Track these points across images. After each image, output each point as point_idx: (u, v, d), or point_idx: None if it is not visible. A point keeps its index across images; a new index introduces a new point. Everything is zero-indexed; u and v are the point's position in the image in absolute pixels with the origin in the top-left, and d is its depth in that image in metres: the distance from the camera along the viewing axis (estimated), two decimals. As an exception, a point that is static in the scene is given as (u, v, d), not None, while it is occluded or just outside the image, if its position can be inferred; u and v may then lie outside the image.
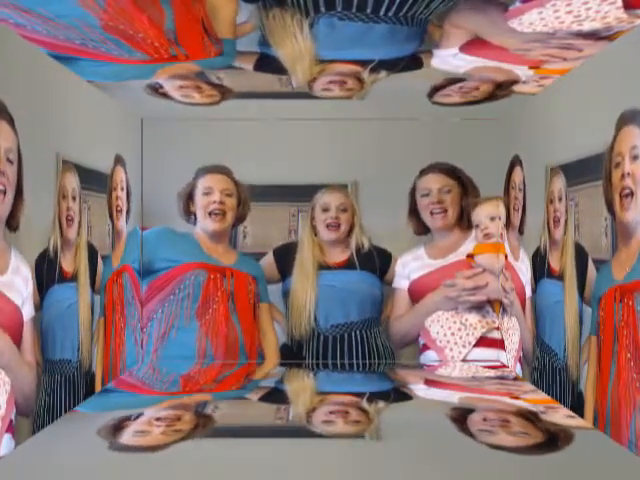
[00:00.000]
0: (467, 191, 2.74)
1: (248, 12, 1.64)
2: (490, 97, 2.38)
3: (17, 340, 1.68)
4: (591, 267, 1.91)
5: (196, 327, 2.67)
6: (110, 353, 2.47)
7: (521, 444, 1.74)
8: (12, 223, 1.65)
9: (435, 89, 2.31)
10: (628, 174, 1.66)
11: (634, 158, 1.64)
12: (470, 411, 2.05)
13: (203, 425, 1.91)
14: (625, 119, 1.70)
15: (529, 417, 1.96)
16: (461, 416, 1.99)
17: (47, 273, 1.88)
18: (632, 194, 1.64)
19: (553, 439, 1.76)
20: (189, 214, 2.75)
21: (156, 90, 2.31)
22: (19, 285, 1.69)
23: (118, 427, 1.86)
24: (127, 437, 1.79)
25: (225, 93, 2.36)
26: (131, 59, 1.90)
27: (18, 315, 1.69)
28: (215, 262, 2.71)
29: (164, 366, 2.64)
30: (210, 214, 2.70)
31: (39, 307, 1.82)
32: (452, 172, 2.74)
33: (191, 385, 2.42)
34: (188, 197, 2.75)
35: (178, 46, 1.81)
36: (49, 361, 1.90)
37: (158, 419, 1.95)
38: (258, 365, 2.69)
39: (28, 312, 1.74)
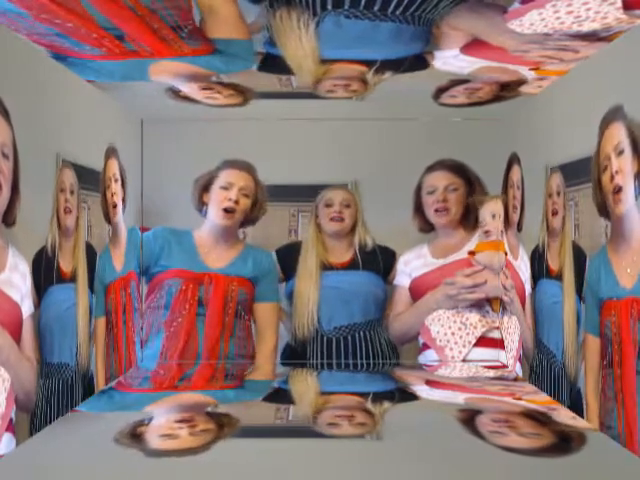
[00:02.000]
0: (474, 189, 2.74)
1: (255, 12, 1.63)
2: (494, 98, 2.39)
3: (17, 336, 1.68)
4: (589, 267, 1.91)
5: (162, 338, 2.69)
6: (124, 358, 2.52)
7: (531, 446, 1.74)
8: (8, 219, 1.64)
9: (440, 90, 2.31)
10: (617, 172, 1.66)
11: (620, 153, 1.65)
12: (477, 412, 2.05)
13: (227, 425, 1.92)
14: (607, 120, 1.71)
15: (535, 418, 1.96)
16: (469, 417, 1.99)
17: (45, 273, 1.87)
18: (622, 189, 1.65)
19: (562, 442, 1.76)
20: (202, 204, 2.74)
21: (177, 93, 2.33)
22: (18, 282, 1.69)
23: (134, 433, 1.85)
24: (155, 441, 1.80)
25: (246, 93, 2.36)
26: (93, 54, 1.88)
27: (17, 312, 1.69)
28: (200, 268, 2.69)
29: (141, 368, 2.68)
30: (222, 210, 2.69)
31: (37, 307, 1.82)
32: (459, 170, 2.74)
33: (160, 382, 2.48)
34: (204, 187, 2.73)
35: (135, 42, 1.78)
36: (47, 364, 1.89)
37: (178, 421, 1.96)
38: (228, 365, 2.69)
39: (27, 308, 1.73)
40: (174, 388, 2.39)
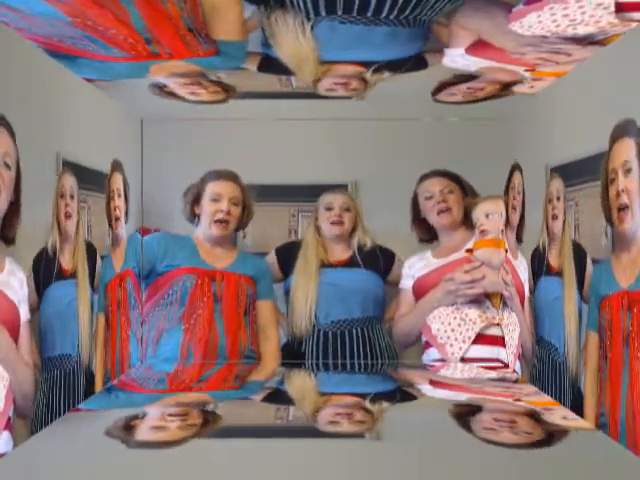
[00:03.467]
0: (466, 193, 2.76)
1: (250, 10, 1.64)
2: (490, 97, 2.39)
3: (14, 336, 1.69)
4: (589, 264, 1.92)
5: (181, 331, 2.69)
6: (116, 354, 2.52)
7: (521, 442, 1.76)
8: (8, 234, 1.63)
9: (440, 88, 2.31)
10: (622, 191, 1.66)
11: (627, 172, 1.64)
12: (477, 410, 2.06)
13: (212, 423, 1.95)
14: (617, 133, 1.70)
15: (531, 417, 1.97)
16: (468, 416, 2.01)
17: (45, 272, 1.89)
18: (628, 207, 1.65)
19: (553, 438, 1.78)
20: (193, 216, 2.77)
21: (161, 89, 2.32)
22: (15, 285, 1.70)
23: (128, 426, 1.89)
24: (144, 434, 1.84)
25: (229, 91, 2.37)
26: (116, 56, 1.90)
27: (15, 311, 1.70)
28: (208, 267, 2.72)
29: (155, 366, 2.68)
30: (215, 222, 2.72)
31: (37, 308, 1.83)
32: (452, 176, 2.77)
33: (177, 384, 2.46)
34: (194, 201, 2.76)
35: (160, 44, 1.81)
36: (48, 358, 1.91)
37: (170, 415, 2.00)
38: (246, 365, 2.70)
39: (24, 313, 1.74)
40: (188, 389, 2.39)
